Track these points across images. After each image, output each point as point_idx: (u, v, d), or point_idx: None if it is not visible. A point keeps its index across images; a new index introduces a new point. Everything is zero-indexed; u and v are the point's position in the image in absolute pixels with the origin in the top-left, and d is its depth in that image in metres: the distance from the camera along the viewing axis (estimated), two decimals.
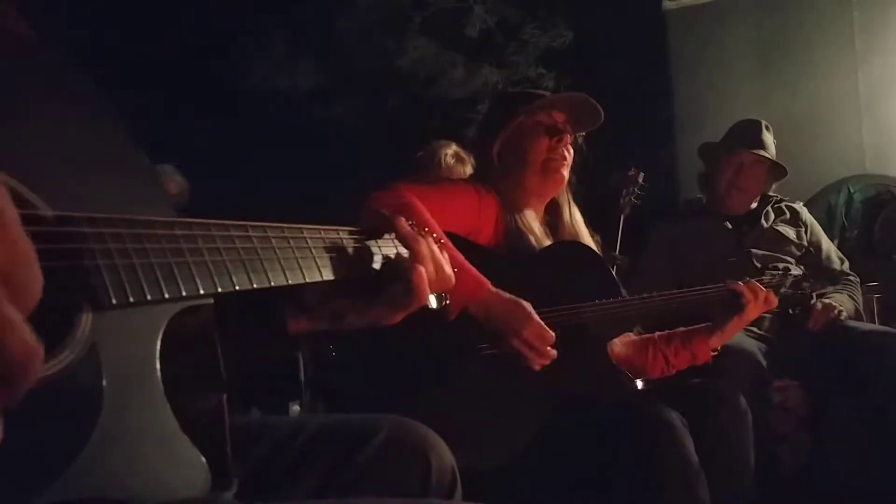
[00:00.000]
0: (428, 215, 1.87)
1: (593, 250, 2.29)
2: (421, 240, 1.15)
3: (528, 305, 1.90)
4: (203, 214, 0.81)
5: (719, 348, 2.44)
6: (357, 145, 6.69)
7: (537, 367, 1.92)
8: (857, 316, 3.35)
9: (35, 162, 0.69)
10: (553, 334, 1.92)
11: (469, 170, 3.22)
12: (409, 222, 1.18)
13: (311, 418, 1.23)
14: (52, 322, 0.63)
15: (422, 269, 1.12)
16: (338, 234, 1.04)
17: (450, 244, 1.85)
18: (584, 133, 2.40)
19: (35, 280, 0.52)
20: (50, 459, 0.65)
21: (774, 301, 2.39)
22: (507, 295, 1.90)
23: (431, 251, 1.15)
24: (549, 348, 1.91)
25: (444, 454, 1.23)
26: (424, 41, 7.13)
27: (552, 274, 2.10)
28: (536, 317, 1.90)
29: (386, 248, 1.13)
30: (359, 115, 6.99)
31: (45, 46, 0.75)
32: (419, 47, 7.09)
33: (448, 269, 1.19)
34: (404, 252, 1.14)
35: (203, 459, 0.76)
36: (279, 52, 7.02)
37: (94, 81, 0.78)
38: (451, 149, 3.34)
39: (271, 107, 6.76)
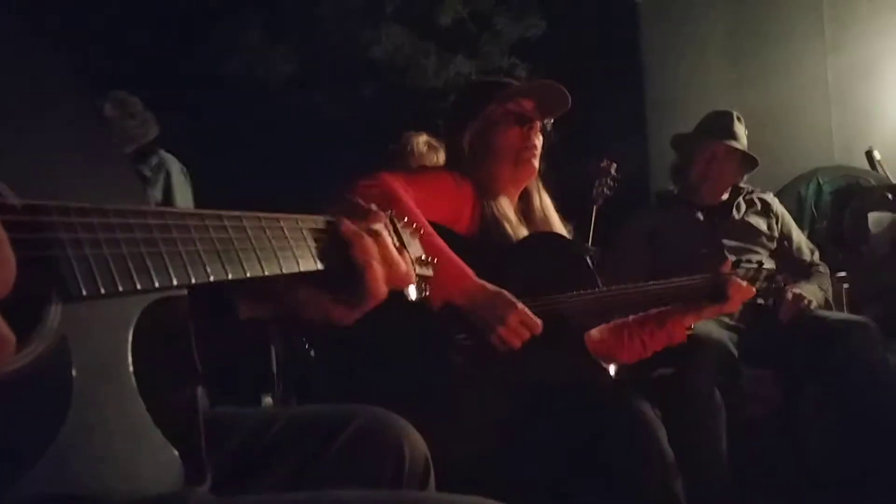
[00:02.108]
0: (411, 204, 1.87)
1: (569, 240, 2.29)
2: (366, 236, 1.08)
3: (509, 295, 1.90)
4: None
5: (692, 327, 2.45)
6: (331, 135, 6.65)
7: (518, 346, 1.92)
8: (826, 305, 3.39)
9: (2, 148, 0.67)
10: (539, 321, 1.92)
11: (442, 158, 3.21)
12: (380, 210, 1.15)
13: (283, 410, 1.22)
14: (20, 313, 0.62)
15: (374, 266, 1.06)
16: (316, 224, 1.02)
17: (432, 233, 1.84)
18: (552, 120, 2.40)
19: (6, 266, 0.51)
20: (18, 454, 0.64)
21: (752, 291, 2.41)
22: (490, 286, 1.89)
23: (383, 247, 1.10)
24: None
25: (417, 443, 1.23)
26: (397, 30, 7.09)
27: (529, 265, 2.10)
28: (520, 304, 1.90)
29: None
30: (333, 104, 6.94)
31: (15, 31, 0.73)
32: (392, 36, 7.05)
33: (403, 266, 1.13)
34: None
35: (176, 453, 0.75)
36: (252, 41, 6.96)
37: (67, 67, 0.76)
38: (423, 137, 3.33)
39: (243, 96, 6.70)
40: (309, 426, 1.18)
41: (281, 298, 1.09)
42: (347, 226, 1.07)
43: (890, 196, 4.26)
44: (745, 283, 2.36)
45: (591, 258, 3.61)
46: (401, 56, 7.11)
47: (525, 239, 2.20)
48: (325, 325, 1.12)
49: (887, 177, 4.60)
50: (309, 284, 1.07)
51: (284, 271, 0.91)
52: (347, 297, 1.09)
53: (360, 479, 1.15)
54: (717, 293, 2.33)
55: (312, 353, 2.24)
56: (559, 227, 2.36)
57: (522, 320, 1.89)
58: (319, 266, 0.99)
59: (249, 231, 0.86)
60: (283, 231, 0.92)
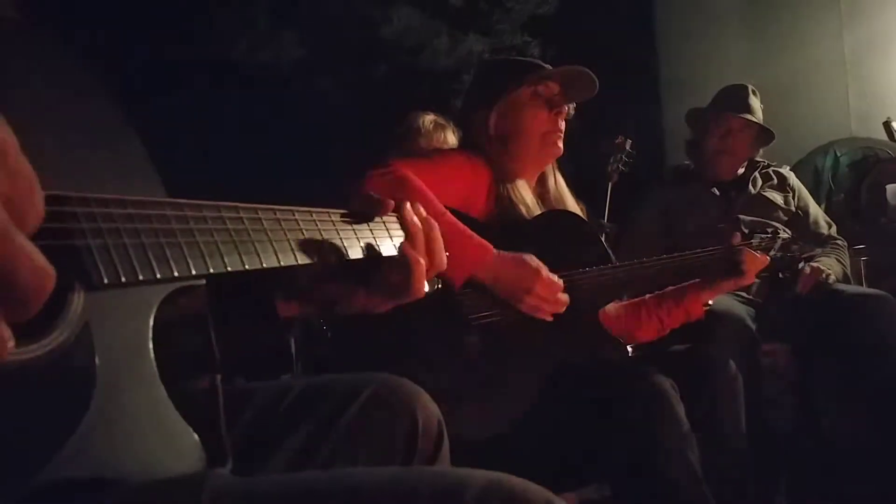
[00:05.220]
0: (425, 189, 1.87)
1: (582, 218, 2.29)
2: (420, 229, 1.13)
3: (532, 258, 1.91)
4: (188, 191, 0.80)
5: (710, 303, 2.45)
6: (341, 119, 6.64)
7: (551, 318, 1.94)
8: (844, 279, 3.38)
9: (25, 141, 0.68)
10: (561, 282, 1.93)
11: (450, 136, 3.20)
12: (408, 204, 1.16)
13: (296, 380, 1.23)
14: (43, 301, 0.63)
15: (422, 262, 1.10)
16: (330, 217, 1.03)
17: (448, 214, 1.85)
18: (574, 104, 2.39)
19: (38, 203, 0.53)
20: (43, 440, 0.65)
21: (766, 261, 2.40)
22: (510, 254, 1.90)
23: (432, 238, 1.14)
24: (560, 295, 1.93)
25: (429, 407, 1.24)
26: (408, 10, 7.05)
27: (543, 243, 2.10)
28: (544, 268, 1.91)
29: (379, 233, 1.11)
30: (344, 86, 6.92)
31: (33, 26, 0.74)
32: (403, 16, 7.02)
33: (442, 253, 1.17)
34: (399, 239, 1.12)
35: (197, 438, 0.76)
36: (261, 23, 6.93)
37: (85, 60, 0.77)
38: (430, 116, 3.32)
39: (254, 79, 6.68)
40: (323, 394, 1.20)
41: (310, 297, 1.12)
42: (409, 215, 1.11)
43: None
44: (758, 254, 2.35)
45: (605, 235, 3.62)
46: (412, 36, 7.07)
47: (539, 217, 2.20)
48: (359, 313, 1.15)
49: None
50: (336, 279, 1.10)
51: (300, 262, 0.92)
52: (383, 289, 1.12)
53: (374, 445, 1.17)
54: (731, 266, 2.33)
55: (329, 333, 2.26)
56: (573, 207, 2.36)
57: (548, 283, 1.90)
58: (335, 259, 1.01)
59: (265, 223, 0.87)
60: (297, 223, 0.94)
